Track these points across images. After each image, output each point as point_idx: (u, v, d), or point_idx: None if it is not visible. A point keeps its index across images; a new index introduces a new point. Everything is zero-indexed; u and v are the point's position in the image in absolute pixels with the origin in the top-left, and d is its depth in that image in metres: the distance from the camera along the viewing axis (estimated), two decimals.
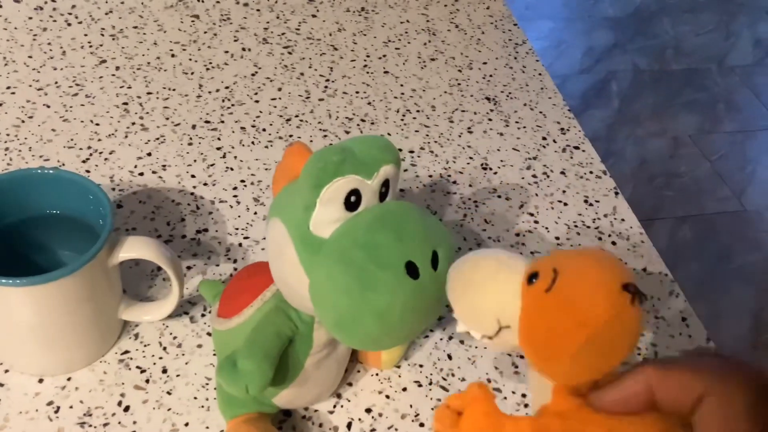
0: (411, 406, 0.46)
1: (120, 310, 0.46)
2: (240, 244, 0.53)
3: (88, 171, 0.57)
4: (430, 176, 0.61)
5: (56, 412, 0.43)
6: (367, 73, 0.71)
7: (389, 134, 0.65)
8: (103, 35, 0.70)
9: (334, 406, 0.45)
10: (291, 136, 0.63)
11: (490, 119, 0.68)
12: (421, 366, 0.48)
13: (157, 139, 0.61)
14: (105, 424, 0.42)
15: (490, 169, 0.63)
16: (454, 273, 0.33)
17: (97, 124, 0.61)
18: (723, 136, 1.90)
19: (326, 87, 0.68)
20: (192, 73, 0.68)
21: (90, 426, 0.42)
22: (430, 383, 0.47)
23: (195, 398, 0.44)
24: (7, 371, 0.44)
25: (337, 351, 0.42)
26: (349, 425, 0.44)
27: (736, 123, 1.95)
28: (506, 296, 0.30)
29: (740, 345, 1.43)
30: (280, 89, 0.67)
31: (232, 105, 0.65)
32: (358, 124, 0.65)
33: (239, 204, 0.56)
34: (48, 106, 0.62)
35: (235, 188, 0.58)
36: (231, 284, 0.43)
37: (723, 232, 1.64)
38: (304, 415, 0.45)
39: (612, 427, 0.29)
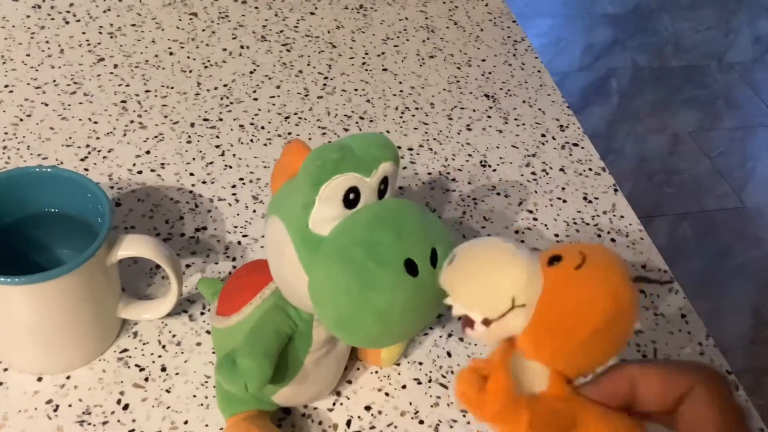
0: (410, 403, 0.46)
1: (119, 308, 0.46)
2: (239, 242, 0.53)
3: (86, 169, 0.57)
4: (429, 174, 0.61)
5: (55, 410, 0.43)
6: (366, 70, 0.71)
7: (388, 132, 0.65)
8: (101, 33, 0.70)
9: (334, 404, 0.45)
10: (290, 133, 0.63)
11: (489, 116, 0.68)
12: (420, 363, 0.48)
13: (156, 137, 0.61)
14: (104, 423, 0.42)
15: (489, 166, 0.63)
16: (465, 252, 0.32)
17: (96, 123, 0.61)
18: (723, 133, 1.90)
19: (325, 84, 0.68)
20: (190, 71, 0.67)
21: (89, 424, 0.42)
22: (430, 381, 0.47)
23: (194, 396, 0.44)
24: (6, 370, 0.44)
25: (336, 349, 0.42)
26: (348, 423, 0.44)
27: (735, 120, 1.95)
28: (525, 275, 0.30)
29: (740, 341, 1.43)
30: (278, 87, 0.67)
31: (231, 103, 0.65)
32: (356, 122, 0.65)
33: (238, 202, 0.56)
34: (46, 105, 0.62)
35: (233, 186, 0.58)
36: (230, 282, 0.43)
37: (723, 229, 1.64)
38: (303, 412, 0.44)
39: (605, 414, 0.30)
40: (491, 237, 0.32)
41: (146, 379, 0.45)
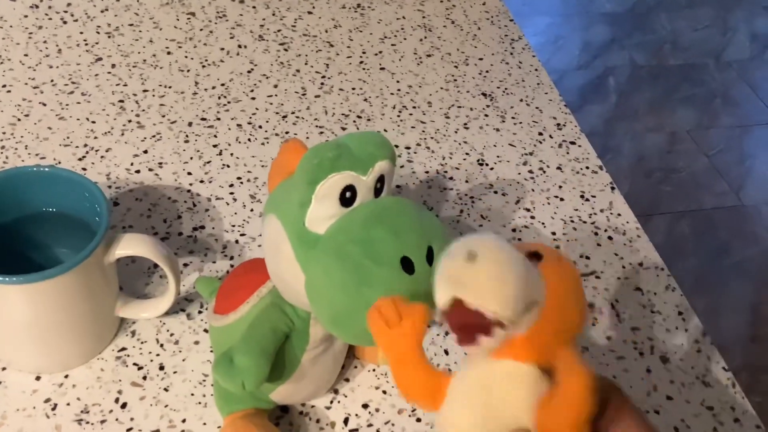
0: None
1: (117, 307, 0.46)
2: (236, 241, 0.54)
3: (84, 169, 0.57)
4: (427, 172, 0.61)
5: (53, 409, 0.43)
6: (363, 69, 0.71)
7: (385, 130, 0.65)
8: (98, 33, 0.70)
9: (331, 402, 0.45)
10: (287, 132, 0.63)
11: (486, 115, 0.68)
12: None
13: (154, 136, 0.61)
14: (102, 421, 0.43)
15: (487, 164, 0.63)
16: (488, 256, 0.29)
17: (93, 122, 0.61)
18: (721, 131, 1.90)
19: (322, 84, 0.68)
20: (188, 71, 0.68)
21: (87, 423, 0.42)
22: None
23: (192, 395, 0.44)
24: (4, 369, 0.45)
25: (333, 347, 0.42)
26: (346, 421, 0.44)
27: (733, 118, 1.95)
28: (533, 274, 0.30)
29: (738, 339, 1.43)
30: (276, 86, 0.67)
31: (228, 102, 0.65)
32: (354, 121, 0.65)
33: (236, 201, 0.56)
34: (44, 104, 0.62)
35: (231, 185, 0.58)
36: (227, 281, 0.43)
37: (721, 227, 1.65)
38: (301, 410, 0.45)
39: None
40: (492, 236, 0.31)
41: (144, 378, 0.45)
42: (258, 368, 0.37)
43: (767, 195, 1.73)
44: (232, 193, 0.57)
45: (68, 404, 0.43)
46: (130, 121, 0.62)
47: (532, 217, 0.59)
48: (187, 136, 0.61)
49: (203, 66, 0.68)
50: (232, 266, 0.52)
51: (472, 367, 0.31)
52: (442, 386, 0.32)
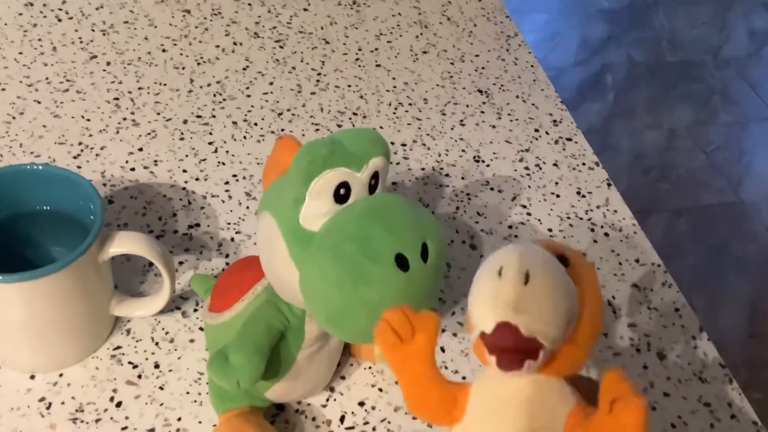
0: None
1: (112, 305, 0.46)
2: (232, 239, 0.53)
3: (79, 167, 0.57)
4: (423, 169, 0.61)
5: (48, 408, 0.43)
6: (359, 66, 0.71)
7: (381, 127, 0.64)
8: (93, 31, 0.70)
9: (327, 400, 0.45)
10: (283, 130, 0.63)
11: (482, 112, 0.68)
12: None
13: (149, 134, 0.61)
14: (97, 420, 0.42)
15: (483, 161, 0.63)
16: (540, 271, 0.27)
17: (88, 120, 0.61)
18: (719, 128, 1.90)
19: (318, 81, 0.68)
20: (183, 68, 0.67)
21: (82, 422, 0.42)
22: None
23: (187, 393, 0.44)
24: None
25: (329, 344, 0.42)
26: (342, 418, 0.44)
27: (731, 115, 1.95)
28: (572, 285, 0.29)
29: (737, 336, 1.43)
30: (271, 83, 0.67)
31: (224, 99, 0.65)
32: (350, 118, 0.65)
33: (231, 199, 0.56)
34: (39, 102, 0.62)
35: (227, 183, 0.57)
36: (222, 279, 0.43)
37: (719, 223, 1.65)
38: (297, 408, 0.44)
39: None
40: (531, 245, 0.29)
41: (139, 377, 0.45)
42: (253, 366, 0.37)
43: (765, 192, 1.73)
44: (227, 191, 0.57)
45: (63, 403, 0.43)
46: (125, 118, 0.62)
47: (528, 214, 0.59)
48: (182, 133, 0.61)
49: (198, 63, 0.68)
50: (227, 264, 0.52)
51: (497, 382, 0.30)
52: (459, 400, 0.30)
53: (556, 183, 0.62)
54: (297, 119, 0.64)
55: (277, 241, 0.36)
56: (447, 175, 0.61)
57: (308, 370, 0.42)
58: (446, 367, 0.47)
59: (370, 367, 0.47)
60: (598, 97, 1.94)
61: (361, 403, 0.45)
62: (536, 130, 0.67)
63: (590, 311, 0.29)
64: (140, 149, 0.59)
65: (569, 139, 0.66)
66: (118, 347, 0.46)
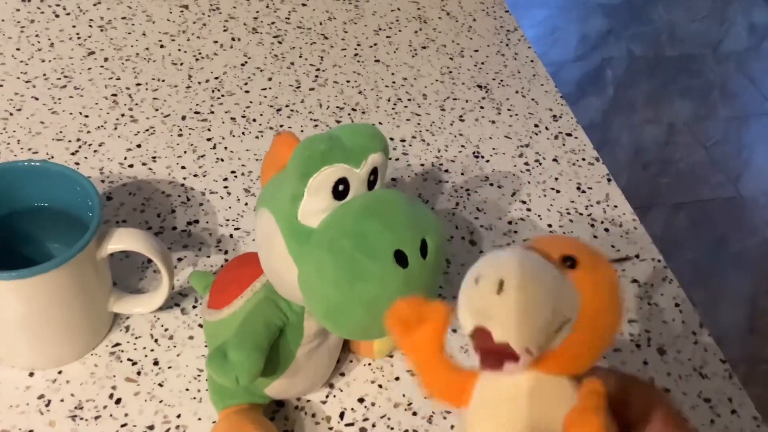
0: (404, 395, 0.45)
1: (110, 302, 0.46)
2: (231, 236, 0.53)
3: (77, 163, 0.57)
4: (422, 165, 0.61)
5: (47, 405, 0.43)
6: (358, 62, 0.70)
7: (380, 123, 0.64)
8: (91, 26, 0.70)
9: (327, 396, 0.45)
10: (281, 126, 0.63)
11: (481, 107, 0.67)
12: None
13: (147, 130, 0.60)
14: (96, 417, 0.42)
15: (482, 157, 0.63)
16: (514, 279, 0.27)
17: (86, 116, 0.61)
18: (718, 123, 1.90)
19: (317, 76, 0.68)
20: (181, 64, 0.67)
21: (81, 419, 0.42)
22: None
23: (187, 390, 0.44)
24: None
25: (328, 341, 0.42)
26: (341, 415, 0.44)
27: (731, 109, 1.95)
28: (565, 290, 0.28)
29: (737, 331, 1.43)
30: (270, 79, 0.67)
31: (222, 95, 0.65)
32: (349, 114, 0.65)
33: (230, 195, 0.56)
34: (36, 99, 0.62)
35: (225, 179, 0.57)
36: (221, 275, 0.43)
37: (719, 218, 1.64)
38: (296, 405, 0.44)
39: None
40: (518, 252, 0.29)
41: (138, 373, 0.45)
42: (252, 363, 0.37)
43: (765, 186, 1.73)
44: (226, 187, 0.57)
45: (62, 400, 0.43)
46: (123, 115, 0.61)
47: (528, 210, 0.59)
48: (180, 129, 0.61)
49: (197, 59, 0.68)
50: (226, 260, 0.52)
51: (498, 375, 0.30)
52: (467, 385, 0.31)
53: (556, 178, 0.62)
54: (296, 115, 0.64)
55: (276, 237, 0.36)
56: (446, 170, 0.61)
57: (307, 366, 0.42)
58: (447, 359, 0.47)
59: (369, 364, 0.47)
60: (598, 92, 1.93)
61: (361, 400, 0.45)
62: (536, 126, 0.66)
63: (591, 316, 0.28)
64: (138, 145, 0.59)
65: (569, 135, 0.66)
66: (117, 344, 0.46)
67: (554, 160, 0.63)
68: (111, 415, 0.43)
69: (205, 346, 0.46)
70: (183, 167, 0.58)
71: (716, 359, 0.50)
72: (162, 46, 0.69)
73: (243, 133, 0.61)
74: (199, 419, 0.43)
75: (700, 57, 2.11)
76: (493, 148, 0.63)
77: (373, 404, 0.45)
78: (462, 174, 0.61)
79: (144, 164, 0.57)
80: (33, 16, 0.70)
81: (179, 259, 0.51)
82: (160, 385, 0.44)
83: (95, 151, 0.58)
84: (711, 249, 1.58)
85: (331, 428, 0.44)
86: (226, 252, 0.52)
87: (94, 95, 0.63)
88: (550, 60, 2.00)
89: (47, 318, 0.42)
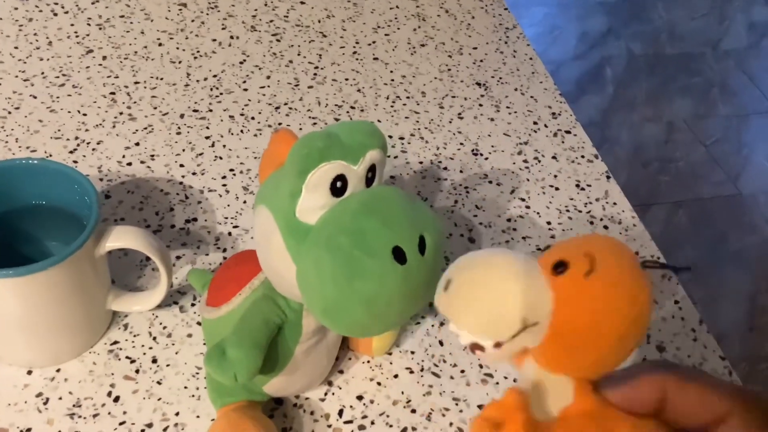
0: (403, 392, 0.45)
1: (109, 300, 0.45)
2: (229, 233, 0.53)
3: (75, 162, 0.57)
4: (421, 163, 0.61)
5: (45, 403, 0.43)
6: (357, 59, 0.70)
7: (379, 121, 0.64)
8: (89, 25, 0.70)
9: (326, 394, 0.45)
10: (280, 124, 0.62)
11: (480, 105, 0.67)
12: (412, 353, 0.48)
13: (145, 128, 0.60)
14: (95, 415, 0.42)
15: (481, 154, 0.63)
16: (461, 277, 0.29)
17: (85, 115, 0.61)
18: (718, 121, 1.90)
19: (315, 74, 0.68)
20: (180, 62, 0.67)
21: (80, 417, 0.42)
22: (422, 370, 0.47)
23: (185, 388, 0.44)
24: None
25: (327, 338, 0.42)
26: (340, 412, 0.44)
27: (730, 107, 1.95)
28: (534, 291, 0.28)
29: (737, 329, 1.43)
30: (268, 77, 0.67)
31: (221, 94, 0.64)
32: (347, 111, 0.65)
33: (228, 193, 0.56)
34: (34, 97, 0.61)
35: (224, 177, 0.57)
36: (219, 273, 0.43)
37: (719, 216, 1.64)
38: (295, 403, 0.44)
39: (635, 424, 0.28)
40: (484, 252, 0.30)
41: (137, 371, 0.45)
42: (250, 360, 0.37)
43: (765, 184, 1.73)
44: (224, 185, 0.57)
45: (60, 398, 0.43)
46: (121, 113, 0.61)
47: (527, 207, 0.58)
48: (179, 128, 0.61)
49: (195, 57, 0.68)
50: (224, 258, 0.51)
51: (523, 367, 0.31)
52: None
53: (555, 176, 0.61)
54: (294, 113, 0.64)
55: (274, 234, 0.36)
56: (445, 168, 0.61)
57: (306, 364, 0.41)
58: (445, 361, 0.47)
59: (368, 361, 0.47)
60: (598, 91, 1.93)
61: (360, 397, 0.45)
62: (535, 123, 0.66)
63: (564, 322, 0.28)
64: (137, 144, 0.59)
65: (568, 132, 0.66)
66: (116, 342, 0.46)
67: (553, 157, 0.63)
68: (109, 413, 0.42)
69: (204, 343, 0.46)
70: (181, 165, 0.58)
71: (716, 356, 0.50)
72: (160, 45, 0.69)
73: (241, 131, 0.61)
74: (198, 417, 0.43)
75: (699, 55, 2.11)
76: (492, 146, 0.63)
77: (371, 402, 0.45)
78: (461, 171, 0.61)
79: (142, 162, 0.57)
80: (31, 15, 0.70)
81: (178, 257, 0.51)
82: (159, 383, 0.44)
83: (93, 149, 0.58)
84: (711, 247, 1.58)
85: (329, 426, 0.43)
86: (224, 250, 0.52)
87: (93, 93, 0.63)
88: (550, 58, 2.00)
89: (45, 316, 0.42)
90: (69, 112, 0.61)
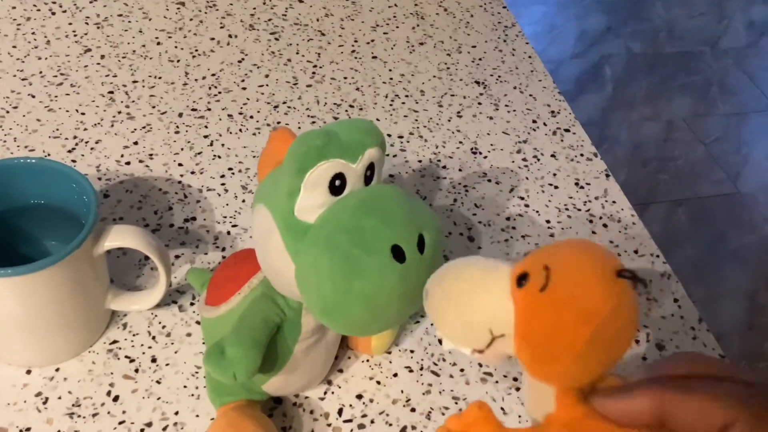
0: (402, 391, 0.45)
1: (108, 299, 0.45)
2: (228, 232, 0.53)
3: (74, 161, 0.57)
4: (420, 161, 0.61)
5: (45, 403, 0.42)
6: (355, 58, 0.70)
7: (378, 120, 0.64)
8: (87, 24, 0.70)
9: (325, 393, 0.45)
10: (279, 123, 0.62)
11: (479, 103, 0.67)
12: (412, 351, 0.48)
13: (144, 127, 0.60)
14: (94, 415, 0.42)
15: (480, 153, 0.62)
16: (434, 289, 0.31)
17: (83, 114, 0.61)
18: (717, 119, 1.90)
19: (314, 73, 0.68)
20: (178, 61, 0.67)
21: (79, 416, 0.42)
22: (421, 368, 0.47)
23: (185, 387, 0.44)
24: None
25: (326, 337, 0.42)
26: (340, 411, 0.44)
27: (730, 105, 1.94)
28: (496, 304, 0.28)
29: (736, 327, 1.43)
30: (267, 76, 0.67)
31: (219, 92, 0.64)
32: (346, 110, 0.64)
33: (227, 192, 0.56)
34: (33, 96, 0.61)
35: (222, 176, 0.57)
36: (218, 272, 0.43)
37: (718, 215, 1.64)
38: (294, 402, 0.44)
39: None
40: (459, 261, 0.31)
41: (136, 371, 0.45)
42: (249, 359, 0.37)
43: (764, 182, 1.73)
44: (223, 184, 0.56)
45: (59, 398, 0.43)
46: (119, 112, 0.61)
47: (527, 206, 0.58)
48: (177, 127, 0.61)
49: (193, 56, 0.68)
50: (223, 257, 0.51)
51: None
52: None
53: (554, 174, 0.61)
54: (293, 112, 0.64)
55: (273, 233, 0.36)
56: (444, 167, 0.61)
57: (305, 363, 0.41)
58: (444, 359, 0.47)
59: (367, 360, 0.47)
60: (597, 89, 1.93)
61: (359, 396, 0.45)
62: (534, 121, 0.66)
63: (525, 333, 0.28)
64: (135, 143, 0.59)
65: (567, 130, 0.66)
66: (115, 341, 0.46)
67: (552, 155, 0.63)
68: (109, 413, 0.42)
69: (203, 343, 0.46)
70: (180, 164, 0.58)
71: (715, 355, 0.50)
72: (158, 44, 0.69)
73: (240, 130, 0.61)
74: (197, 416, 0.43)
75: (698, 54, 2.10)
76: (491, 144, 0.63)
77: (371, 400, 0.45)
78: (460, 170, 0.61)
79: (141, 161, 0.57)
80: (29, 14, 0.70)
81: (176, 257, 0.51)
82: (158, 382, 0.44)
83: (92, 148, 0.58)
84: (710, 245, 1.58)
85: (329, 425, 0.43)
86: (223, 249, 0.52)
87: (91, 93, 0.63)
88: (549, 57, 2.00)
89: (44, 315, 0.42)
90: (67, 111, 0.61)
